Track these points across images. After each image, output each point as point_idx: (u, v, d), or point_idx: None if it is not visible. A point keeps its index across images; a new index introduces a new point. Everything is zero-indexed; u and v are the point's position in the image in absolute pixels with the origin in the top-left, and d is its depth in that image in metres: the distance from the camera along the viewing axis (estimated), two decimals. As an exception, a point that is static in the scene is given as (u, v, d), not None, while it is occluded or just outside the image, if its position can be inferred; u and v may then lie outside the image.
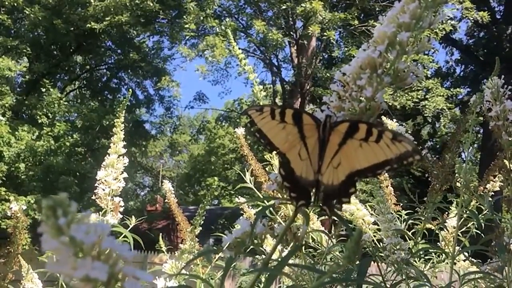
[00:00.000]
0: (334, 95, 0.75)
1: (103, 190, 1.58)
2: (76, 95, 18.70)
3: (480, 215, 1.88)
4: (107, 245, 0.41)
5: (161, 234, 3.13)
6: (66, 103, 15.72)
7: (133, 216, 1.79)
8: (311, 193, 0.76)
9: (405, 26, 0.69)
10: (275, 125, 0.78)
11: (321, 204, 0.75)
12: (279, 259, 0.72)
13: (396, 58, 0.70)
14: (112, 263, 0.41)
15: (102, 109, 14.95)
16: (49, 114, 14.83)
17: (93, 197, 1.59)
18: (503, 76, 1.58)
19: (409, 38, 0.70)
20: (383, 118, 1.92)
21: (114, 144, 1.61)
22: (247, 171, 1.63)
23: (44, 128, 14.27)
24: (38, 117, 14.41)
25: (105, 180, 1.58)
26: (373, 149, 0.71)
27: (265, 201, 1.00)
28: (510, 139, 1.22)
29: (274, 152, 0.79)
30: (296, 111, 0.77)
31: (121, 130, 1.62)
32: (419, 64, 0.73)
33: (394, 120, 1.95)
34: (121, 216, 1.61)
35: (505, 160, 1.16)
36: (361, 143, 0.72)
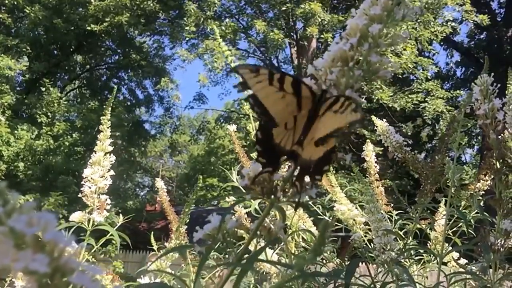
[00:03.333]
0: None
1: (90, 188, 1.57)
2: (76, 94, 18.70)
3: (471, 214, 1.87)
4: (50, 236, 0.39)
5: (152, 233, 3.11)
6: (65, 102, 15.74)
7: (120, 215, 1.78)
8: (280, 163, 0.72)
9: (377, 18, 0.69)
10: (273, 92, 0.71)
11: (293, 180, 0.71)
12: (250, 254, 0.71)
13: (369, 51, 0.69)
14: (56, 256, 0.40)
15: (101, 109, 14.90)
16: (49, 114, 14.84)
17: (79, 195, 1.58)
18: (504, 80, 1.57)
19: (381, 30, 0.69)
20: (373, 118, 1.91)
21: (100, 141, 1.60)
22: (234, 170, 1.63)
23: (44, 127, 14.28)
24: (37, 116, 14.41)
25: (91, 178, 1.57)
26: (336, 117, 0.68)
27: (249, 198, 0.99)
28: (499, 137, 1.20)
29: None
30: (295, 80, 0.72)
31: (108, 128, 1.61)
32: (391, 57, 0.71)
33: (384, 120, 1.93)
34: (107, 213, 1.61)
35: (492, 159, 1.14)
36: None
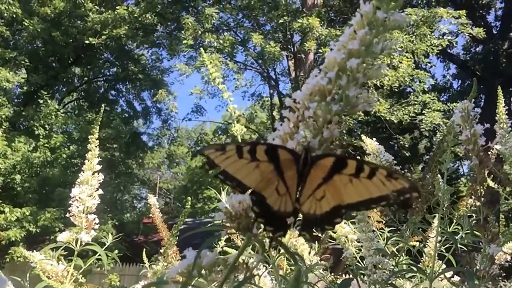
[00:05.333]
0: (286, 121, 0.74)
1: (77, 207, 1.56)
2: (73, 106, 18.71)
3: (463, 231, 1.86)
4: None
5: (149, 246, 3.09)
6: (63, 114, 15.72)
7: (110, 234, 1.77)
8: (288, 223, 0.73)
9: (355, 52, 0.68)
10: (245, 164, 0.72)
11: (299, 230, 0.73)
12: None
13: (347, 85, 0.69)
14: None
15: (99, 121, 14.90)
16: (46, 126, 14.82)
17: (67, 215, 1.57)
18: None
19: (360, 65, 0.68)
20: (363, 137, 1.91)
21: (88, 160, 1.59)
22: (223, 190, 1.62)
23: (41, 139, 14.25)
24: (35, 129, 14.39)
25: (79, 198, 1.56)
26: (366, 185, 0.69)
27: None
28: (482, 162, 1.20)
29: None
30: (270, 147, 0.72)
31: (96, 147, 1.61)
32: (370, 90, 0.71)
33: (374, 141, 1.92)
34: (95, 233, 1.59)
35: (474, 184, 1.13)
36: (351, 179, 0.69)
